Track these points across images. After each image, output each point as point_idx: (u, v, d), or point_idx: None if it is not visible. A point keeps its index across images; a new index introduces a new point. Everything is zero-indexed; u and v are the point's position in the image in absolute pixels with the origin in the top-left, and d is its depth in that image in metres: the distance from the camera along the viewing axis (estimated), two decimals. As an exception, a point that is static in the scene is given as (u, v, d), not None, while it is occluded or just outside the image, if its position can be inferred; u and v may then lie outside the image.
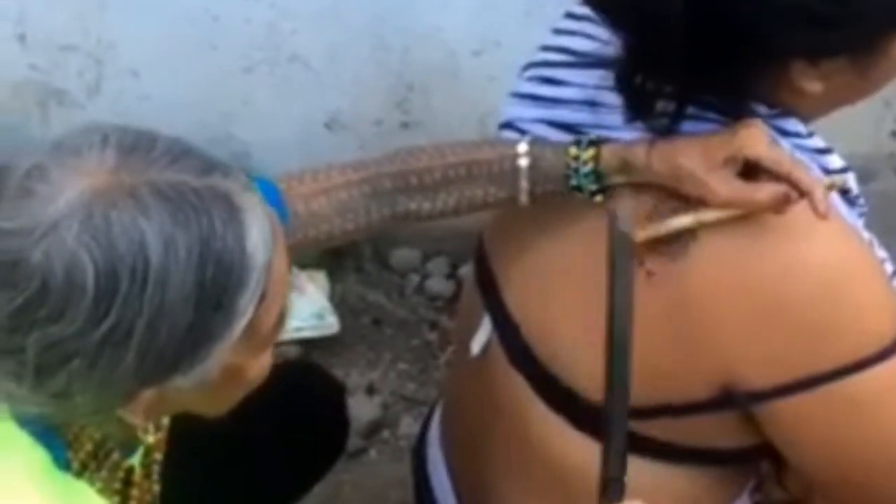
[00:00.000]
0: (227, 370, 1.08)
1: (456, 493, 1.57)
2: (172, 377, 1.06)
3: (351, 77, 2.24)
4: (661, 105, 1.26)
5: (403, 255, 2.39)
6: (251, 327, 1.07)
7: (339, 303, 2.25)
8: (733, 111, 1.26)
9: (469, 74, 2.22)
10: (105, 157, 1.04)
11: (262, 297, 1.06)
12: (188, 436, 1.28)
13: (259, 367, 1.13)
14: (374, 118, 2.28)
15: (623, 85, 1.27)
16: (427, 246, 2.39)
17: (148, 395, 1.07)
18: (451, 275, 2.38)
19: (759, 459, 1.40)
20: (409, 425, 2.16)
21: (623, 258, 1.18)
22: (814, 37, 1.20)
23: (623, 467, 1.20)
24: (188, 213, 1.03)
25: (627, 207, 1.23)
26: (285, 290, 1.11)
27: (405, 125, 2.28)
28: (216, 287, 1.04)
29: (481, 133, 2.22)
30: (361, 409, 2.12)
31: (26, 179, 1.04)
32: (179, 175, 1.04)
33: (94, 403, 1.06)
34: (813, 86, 1.24)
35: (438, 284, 2.37)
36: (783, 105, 1.28)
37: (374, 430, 2.15)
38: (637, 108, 1.27)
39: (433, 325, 2.31)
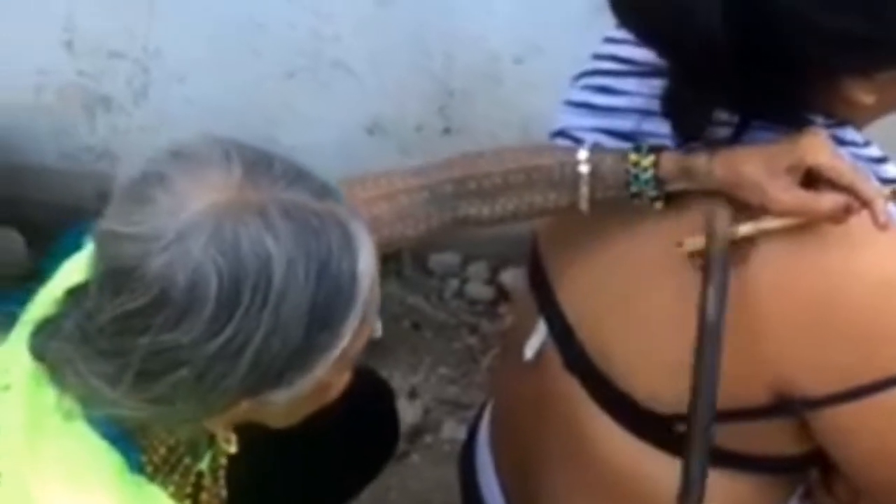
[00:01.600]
0: (316, 386, 1.10)
1: (505, 496, 1.58)
2: (273, 392, 1.08)
3: (393, 82, 2.25)
4: (720, 115, 1.27)
5: (443, 260, 2.40)
6: (346, 348, 1.09)
7: (379, 306, 2.26)
8: (791, 122, 1.27)
9: (511, 81, 2.23)
10: (231, 172, 1.05)
11: (361, 321, 1.09)
12: (242, 441, 1.29)
13: (340, 384, 1.16)
14: (415, 124, 2.29)
15: (673, 108, 1.28)
16: (467, 250, 2.40)
17: (244, 406, 1.08)
18: (491, 279, 2.38)
19: (810, 466, 1.41)
20: (451, 429, 2.17)
21: (718, 270, 1.19)
22: (860, 57, 1.21)
23: (703, 480, 1.24)
24: (310, 237, 1.05)
25: (724, 217, 1.24)
26: (377, 313, 1.13)
27: (446, 131, 2.29)
28: (327, 309, 1.06)
29: (522, 139, 2.22)
30: (403, 413, 2.12)
31: (145, 186, 1.05)
32: (300, 196, 1.06)
33: (193, 411, 1.07)
34: (867, 98, 1.24)
35: (478, 289, 2.38)
36: (837, 115, 1.29)
37: (416, 434, 2.16)
38: (688, 131, 1.28)
39: (473, 330, 2.32)
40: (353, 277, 1.07)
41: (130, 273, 1.04)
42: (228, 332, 1.03)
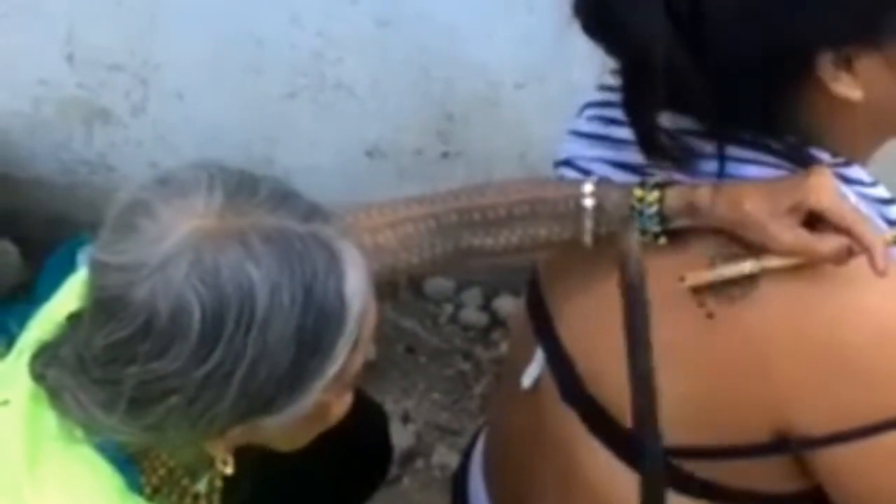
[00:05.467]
0: (314, 409, 1.10)
1: (497, 525, 1.57)
2: (266, 416, 1.08)
3: (394, 106, 2.25)
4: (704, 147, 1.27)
5: (437, 285, 2.39)
6: (341, 370, 1.08)
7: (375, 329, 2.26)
8: (769, 132, 1.26)
9: (511, 107, 2.23)
10: (213, 198, 1.06)
11: (355, 343, 1.08)
12: (236, 464, 1.29)
13: (341, 405, 1.15)
14: (414, 147, 2.29)
15: (631, 117, 1.26)
16: (461, 276, 2.40)
17: (238, 430, 1.08)
18: (485, 306, 2.38)
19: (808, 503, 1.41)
20: (442, 455, 2.16)
21: (639, 302, 1.19)
22: (825, 20, 1.18)
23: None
24: (293, 261, 1.05)
25: (635, 246, 1.24)
26: (372, 333, 1.12)
27: (445, 155, 2.29)
28: (315, 333, 1.06)
29: (520, 165, 2.23)
30: (395, 437, 2.12)
31: (130, 214, 1.06)
32: (284, 221, 1.06)
33: (186, 437, 1.07)
34: (852, 92, 1.22)
35: (472, 315, 2.37)
36: (824, 127, 1.26)
37: (407, 458, 2.16)
38: (645, 142, 1.27)
39: (467, 356, 2.32)
40: (341, 300, 1.07)
41: (116, 302, 1.05)
42: (214, 359, 1.04)
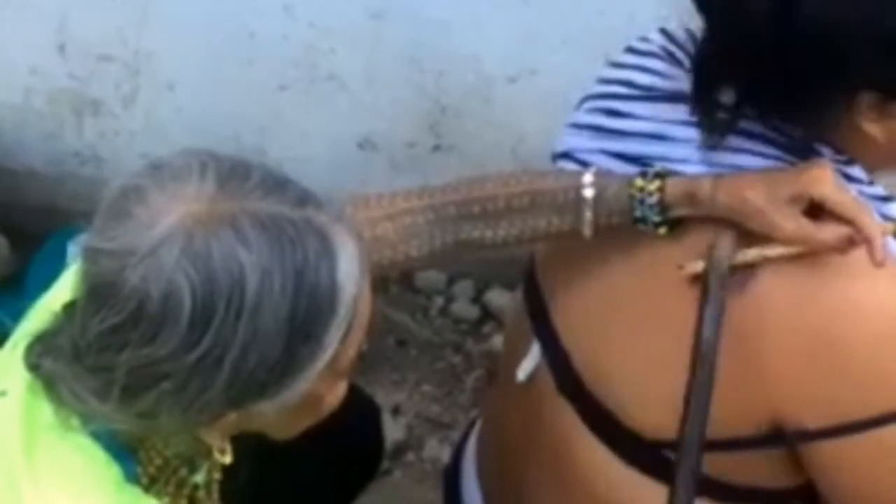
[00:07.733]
0: (307, 397, 1.10)
1: (491, 518, 1.57)
2: (258, 402, 1.07)
3: (386, 98, 2.24)
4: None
5: (429, 277, 2.38)
6: (334, 358, 1.08)
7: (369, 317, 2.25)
8: (799, 149, 1.26)
9: (503, 101, 2.22)
10: (205, 184, 1.05)
11: (348, 330, 1.08)
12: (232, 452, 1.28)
13: (335, 394, 1.15)
14: (406, 140, 2.28)
15: (700, 93, 1.28)
16: (452, 269, 2.39)
17: (232, 417, 1.08)
18: (477, 299, 2.37)
19: (797, 501, 1.40)
20: (433, 448, 2.16)
21: (715, 297, 1.19)
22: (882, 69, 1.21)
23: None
24: (285, 246, 1.04)
25: (727, 244, 1.24)
26: (367, 322, 1.12)
27: (437, 148, 2.28)
28: (306, 319, 1.06)
29: (512, 159, 2.23)
30: (386, 430, 2.12)
31: (123, 200, 1.05)
32: (276, 206, 1.06)
33: (179, 424, 1.07)
34: (874, 130, 1.24)
35: (463, 308, 2.37)
36: (845, 147, 1.28)
37: (398, 451, 2.15)
38: (712, 122, 1.27)
39: (458, 349, 2.31)
40: (333, 286, 1.07)
41: (109, 288, 1.04)
42: (205, 344, 1.03)
